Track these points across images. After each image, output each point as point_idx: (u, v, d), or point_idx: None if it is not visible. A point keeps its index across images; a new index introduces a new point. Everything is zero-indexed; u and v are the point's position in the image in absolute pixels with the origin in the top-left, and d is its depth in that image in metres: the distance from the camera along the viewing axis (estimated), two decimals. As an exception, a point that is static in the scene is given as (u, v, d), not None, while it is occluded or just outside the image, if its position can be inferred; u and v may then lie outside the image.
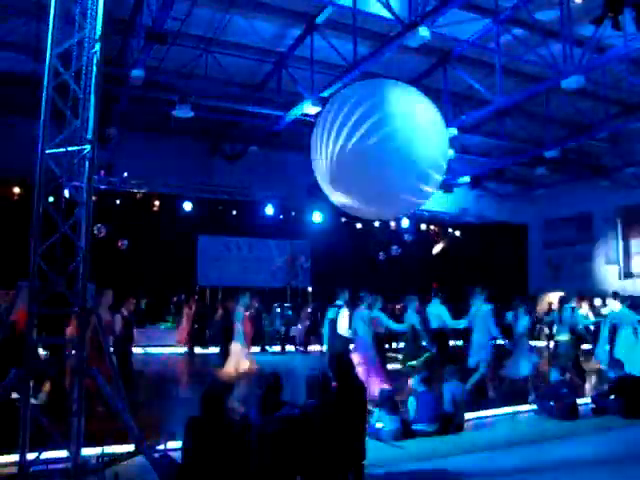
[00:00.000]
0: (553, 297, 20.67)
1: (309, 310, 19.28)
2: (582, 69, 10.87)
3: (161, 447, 5.95)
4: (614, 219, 22.38)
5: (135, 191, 17.72)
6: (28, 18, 10.89)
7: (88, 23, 5.57)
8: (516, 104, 14.68)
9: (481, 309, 10.23)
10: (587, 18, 10.54)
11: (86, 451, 5.34)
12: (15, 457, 5.31)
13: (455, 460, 6.83)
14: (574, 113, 15.61)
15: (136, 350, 14.57)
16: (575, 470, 6.45)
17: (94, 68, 5.56)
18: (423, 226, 23.45)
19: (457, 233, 24.08)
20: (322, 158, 5.89)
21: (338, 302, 10.16)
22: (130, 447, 5.64)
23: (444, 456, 6.93)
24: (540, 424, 8.65)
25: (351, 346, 9.68)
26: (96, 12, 5.60)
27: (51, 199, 5.65)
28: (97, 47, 5.56)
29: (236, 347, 9.86)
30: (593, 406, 9.22)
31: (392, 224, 21.71)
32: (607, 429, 8.27)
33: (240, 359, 9.63)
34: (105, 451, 5.46)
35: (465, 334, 11.36)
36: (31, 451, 5.21)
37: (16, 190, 16.08)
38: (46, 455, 5.37)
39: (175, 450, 5.58)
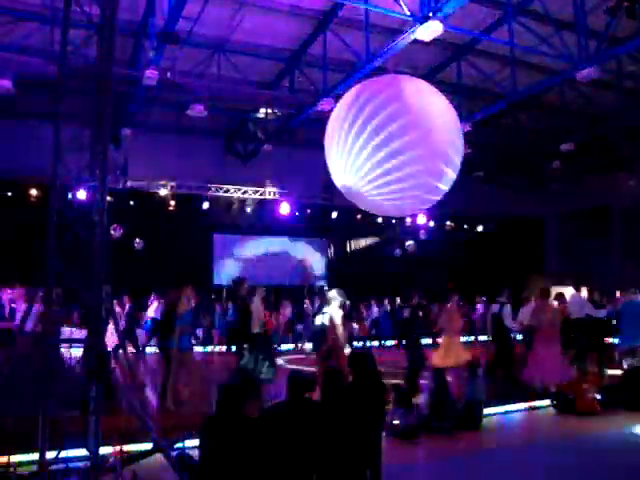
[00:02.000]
0: (569, 291, 20.48)
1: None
2: (597, 60, 10.75)
3: (179, 445, 5.99)
4: (632, 211, 22.11)
5: (150, 191, 17.82)
6: (44, 21, 10.99)
7: (99, 24, 5.61)
8: (531, 97, 14.56)
9: (634, 302, 11.37)
10: (601, 8, 10.47)
11: (105, 450, 5.38)
12: (35, 456, 5.38)
13: (472, 457, 6.81)
14: (589, 105, 15.45)
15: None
16: (592, 468, 6.40)
17: (106, 69, 5.60)
18: (440, 222, 23.34)
19: (479, 228, 23.99)
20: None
21: (500, 299, 11.68)
22: (148, 445, 5.69)
23: (461, 453, 6.91)
24: (559, 420, 8.59)
25: None
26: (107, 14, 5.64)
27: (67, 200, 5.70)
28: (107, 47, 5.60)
29: (454, 339, 10.45)
30: (607, 400, 9.13)
31: (408, 221, 21.64)
32: (625, 425, 8.21)
33: (458, 350, 10.22)
34: (123, 449, 5.50)
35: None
36: (50, 449, 5.27)
37: (33, 192, 16.25)
38: (65, 454, 5.43)
39: (193, 448, 5.61)
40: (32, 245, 7.69)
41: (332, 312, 8.66)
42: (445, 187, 5.96)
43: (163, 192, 17.80)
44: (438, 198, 6.19)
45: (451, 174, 5.89)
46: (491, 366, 11.14)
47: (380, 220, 20.91)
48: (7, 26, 11.24)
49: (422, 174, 5.52)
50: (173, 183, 17.74)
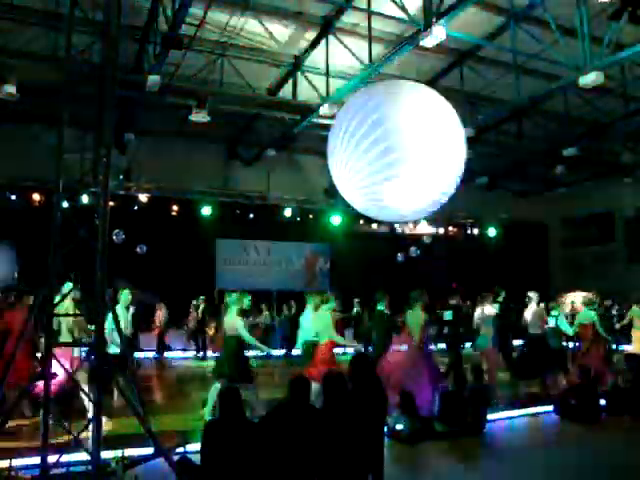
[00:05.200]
0: (573, 297, 20.41)
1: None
2: (600, 66, 10.74)
3: (180, 450, 5.99)
4: (636, 217, 22.08)
5: (153, 196, 17.85)
6: (47, 28, 11.05)
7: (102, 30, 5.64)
8: (534, 103, 14.55)
9: None
10: (605, 14, 10.47)
11: (106, 454, 5.38)
12: (37, 460, 5.38)
13: (475, 462, 6.79)
14: (593, 111, 15.43)
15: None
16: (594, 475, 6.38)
17: (109, 74, 5.63)
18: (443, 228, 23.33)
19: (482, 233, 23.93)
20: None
21: None
22: (149, 450, 5.68)
23: (464, 458, 6.89)
24: (561, 426, 8.56)
25: None
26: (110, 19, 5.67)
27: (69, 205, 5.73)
28: (111, 53, 5.63)
29: None
30: (609, 405, 9.08)
31: (410, 226, 21.66)
32: (627, 431, 8.19)
33: None
34: (125, 454, 5.49)
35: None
36: (52, 454, 5.27)
37: (36, 197, 16.28)
38: (67, 458, 5.43)
39: (194, 453, 5.60)
40: (35, 249, 7.75)
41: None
42: (448, 192, 5.97)
43: (166, 197, 17.82)
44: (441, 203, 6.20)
45: (453, 180, 5.90)
46: None
47: (378, 228, 20.91)
48: (11, 31, 11.29)
49: (423, 180, 5.53)
50: (176, 188, 17.75)
